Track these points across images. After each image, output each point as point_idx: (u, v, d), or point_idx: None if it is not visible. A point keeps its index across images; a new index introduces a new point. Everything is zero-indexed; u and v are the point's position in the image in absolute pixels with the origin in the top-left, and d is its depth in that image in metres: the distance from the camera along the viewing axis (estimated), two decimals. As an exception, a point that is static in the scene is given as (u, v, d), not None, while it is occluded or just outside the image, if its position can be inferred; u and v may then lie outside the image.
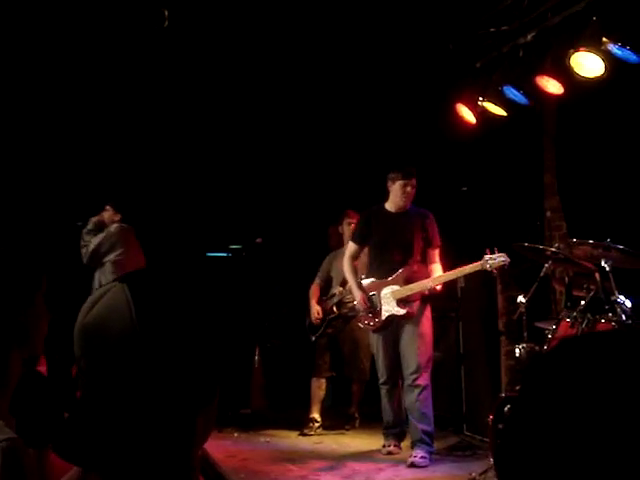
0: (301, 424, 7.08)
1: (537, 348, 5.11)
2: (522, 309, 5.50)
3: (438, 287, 5.99)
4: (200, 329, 1.28)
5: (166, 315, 1.24)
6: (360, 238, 6.23)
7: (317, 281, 7.38)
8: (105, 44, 6.86)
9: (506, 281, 6.48)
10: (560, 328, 5.08)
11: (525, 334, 5.37)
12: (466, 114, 6.66)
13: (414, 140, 7.42)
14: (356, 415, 7.29)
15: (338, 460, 5.97)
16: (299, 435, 6.94)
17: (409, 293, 5.93)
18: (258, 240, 8.14)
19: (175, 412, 1.22)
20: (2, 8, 6.28)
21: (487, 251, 5.66)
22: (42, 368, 2.96)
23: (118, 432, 1.20)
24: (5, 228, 6.94)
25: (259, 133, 8.35)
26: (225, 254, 8.68)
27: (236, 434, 6.98)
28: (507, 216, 6.97)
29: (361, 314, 6.14)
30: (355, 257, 6.31)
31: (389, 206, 6.10)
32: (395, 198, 6.03)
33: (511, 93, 6.25)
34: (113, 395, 1.20)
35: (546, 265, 5.33)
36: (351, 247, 6.31)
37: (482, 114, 6.55)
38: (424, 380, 5.91)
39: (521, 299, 5.54)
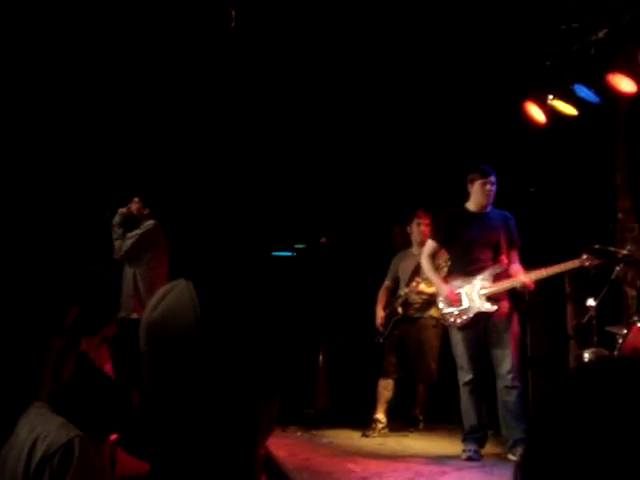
0: (364, 425, 7.05)
1: (607, 353, 4.99)
2: (592, 313, 5.39)
3: (531, 284, 5.86)
4: (263, 327, 1.28)
5: (230, 313, 1.25)
6: (442, 237, 6.16)
7: (386, 282, 7.36)
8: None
9: (576, 284, 6.34)
10: (632, 333, 4.95)
11: (595, 338, 5.26)
12: (535, 113, 6.56)
13: (481, 140, 7.33)
14: (420, 417, 7.23)
15: (401, 462, 5.92)
16: (362, 436, 6.92)
17: (499, 290, 5.84)
18: (323, 239, 8.15)
19: (238, 408, 1.23)
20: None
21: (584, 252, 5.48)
22: (107, 366, 3.01)
23: (182, 426, 1.22)
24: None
25: (327, 131, 8.34)
26: (290, 253, 8.73)
27: (299, 433, 6.99)
28: (578, 218, 6.82)
29: (446, 311, 6.01)
30: (434, 255, 6.28)
31: (471, 207, 6.08)
32: (477, 198, 6.02)
33: (582, 91, 6.12)
34: (177, 390, 1.22)
35: (617, 268, 5.20)
36: (431, 245, 6.26)
37: (552, 113, 6.45)
38: (519, 380, 5.82)
39: (591, 302, 5.42)
